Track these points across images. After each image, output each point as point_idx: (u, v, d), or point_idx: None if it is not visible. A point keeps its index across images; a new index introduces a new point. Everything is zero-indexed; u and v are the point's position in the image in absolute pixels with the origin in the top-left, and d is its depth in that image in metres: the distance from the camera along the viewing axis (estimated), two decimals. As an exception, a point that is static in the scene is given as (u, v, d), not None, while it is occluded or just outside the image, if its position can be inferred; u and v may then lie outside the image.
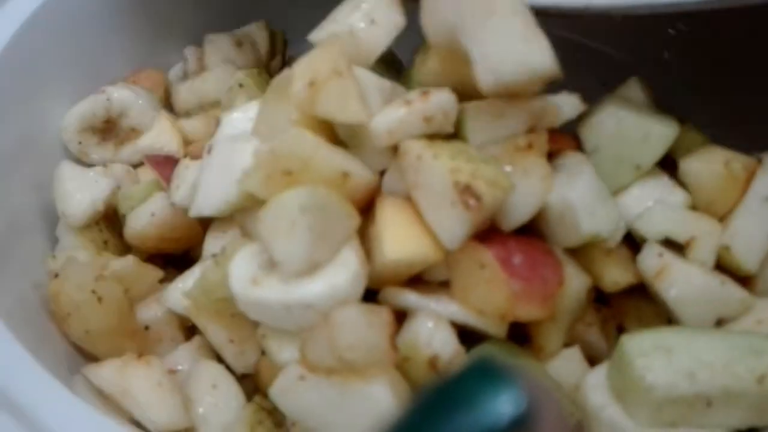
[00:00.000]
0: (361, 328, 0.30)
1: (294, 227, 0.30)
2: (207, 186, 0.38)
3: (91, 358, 0.37)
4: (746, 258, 0.34)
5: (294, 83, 0.33)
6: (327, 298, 0.31)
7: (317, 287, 0.31)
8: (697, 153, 0.36)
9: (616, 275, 0.34)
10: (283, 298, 0.31)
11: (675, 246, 0.34)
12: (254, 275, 0.32)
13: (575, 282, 0.33)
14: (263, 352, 0.35)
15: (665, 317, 0.35)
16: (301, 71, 0.33)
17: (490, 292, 0.31)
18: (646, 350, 0.29)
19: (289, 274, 0.31)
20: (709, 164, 0.35)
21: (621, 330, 0.36)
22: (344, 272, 0.31)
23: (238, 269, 0.33)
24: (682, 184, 0.36)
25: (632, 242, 0.36)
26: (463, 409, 0.20)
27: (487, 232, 0.32)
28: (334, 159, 0.33)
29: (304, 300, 0.31)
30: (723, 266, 0.34)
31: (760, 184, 0.35)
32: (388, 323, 0.30)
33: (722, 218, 0.35)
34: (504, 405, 0.19)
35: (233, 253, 0.34)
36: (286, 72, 0.36)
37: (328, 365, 0.30)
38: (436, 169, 0.31)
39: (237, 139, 0.37)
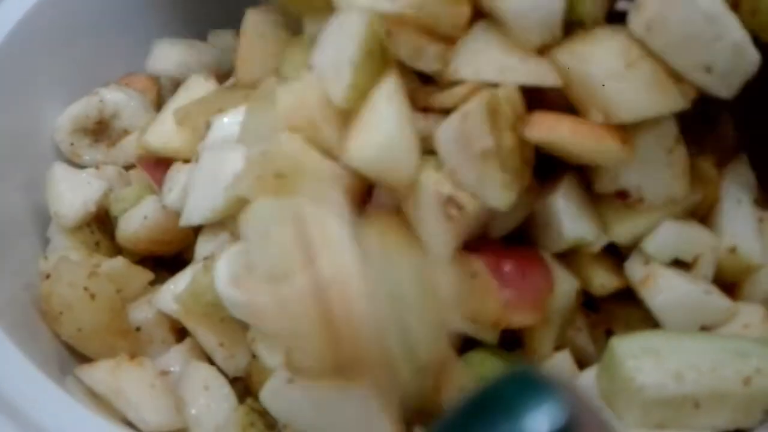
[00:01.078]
0: None
1: (266, 237, 0.31)
2: (195, 193, 0.38)
3: (83, 359, 0.36)
4: (753, 253, 0.35)
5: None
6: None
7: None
8: None
9: (603, 279, 0.35)
10: (263, 301, 0.31)
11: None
12: (236, 274, 0.32)
13: (565, 285, 0.33)
14: (254, 356, 0.35)
15: (652, 322, 0.35)
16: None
17: (482, 301, 0.31)
18: (636, 352, 0.30)
19: (265, 278, 0.31)
20: None
21: (609, 335, 0.36)
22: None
23: (223, 269, 0.33)
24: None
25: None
26: (500, 420, 0.19)
27: (478, 241, 0.33)
28: (325, 161, 0.33)
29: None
30: (724, 270, 0.35)
31: (731, 188, 0.36)
32: None
33: (704, 217, 0.36)
34: (543, 417, 0.18)
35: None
36: (270, 80, 0.36)
37: (312, 370, 0.30)
38: (421, 182, 0.31)
39: (223, 147, 0.37)
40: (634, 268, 0.34)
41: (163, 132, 0.44)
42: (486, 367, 0.31)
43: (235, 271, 0.33)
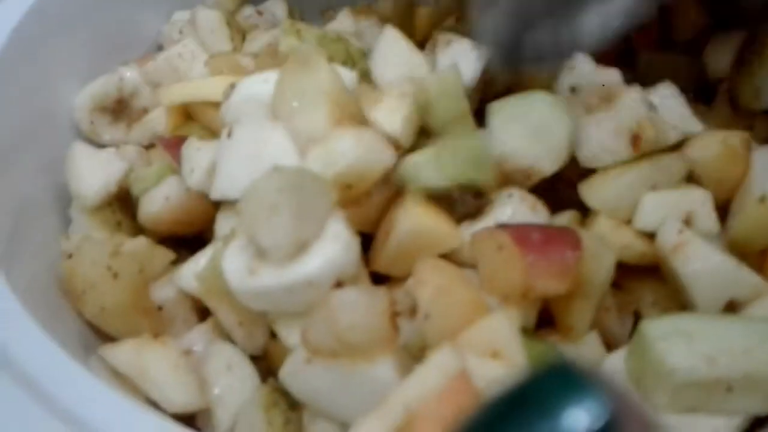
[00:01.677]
0: (360, 309, 0.30)
1: (275, 210, 0.31)
2: (230, 169, 0.37)
3: (106, 338, 0.36)
4: None
5: None
6: (326, 271, 0.31)
7: (314, 263, 0.31)
8: (694, 140, 0.37)
9: (629, 242, 0.35)
10: (284, 281, 0.31)
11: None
12: (249, 266, 0.32)
13: (604, 259, 0.33)
14: (273, 335, 0.35)
15: (680, 301, 0.35)
16: None
17: (509, 270, 0.31)
18: (667, 334, 0.29)
19: (279, 259, 0.31)
20: (709, 147, 0.36)
21: (637, 316, 0.36)
22: (336, 243, 0.32)
23: (232, 263, 0.33)
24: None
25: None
26: (536, 418, 0.18)
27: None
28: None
29: (305, 278, 0.31)
30: (756, 224, 0.34)
31: (763, 157, 0.36)
32: (386, 303, 0.31)
33: (732, 193, 0.36)
34: (583, 415, 0.17)
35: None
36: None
37: (330, 348, 0.30)
38: None
39: (259, 124, 0.37)
40: (667, 237, 0.34)
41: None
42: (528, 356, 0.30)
43: (245, 261, 0.33)
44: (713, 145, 0.36)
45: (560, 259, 0.31)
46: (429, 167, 0.35)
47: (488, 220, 0.36)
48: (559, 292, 0.31)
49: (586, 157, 0.36)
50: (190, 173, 0.40)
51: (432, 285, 0.31)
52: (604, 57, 0.42)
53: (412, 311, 0.32)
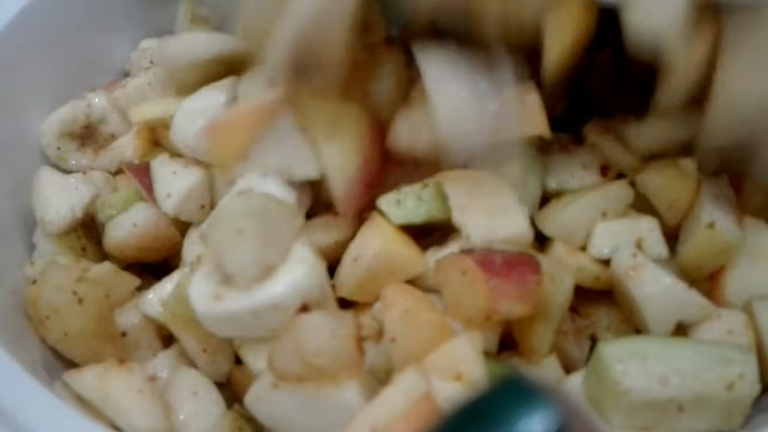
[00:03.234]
0: (327, 333, 0.31)
1: (240, 234, 0.31)
2: None
3: (69, 364, 0.36)
4: (730, 230, 0.35)
5: None
6: (291, 295, 0.32)
7: (279, 286, 0.32)
8: (648, 166, 0.38)
9: (586, 265, 0.36)
10: (249, 305, 0.32)
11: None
12: (215, 291, 0.32)
13: (564, 282, 0.34)
14: (238, 362, 0.35)
15: (632, 326, 0.37)
16: None
17: (473, 294, 0.32)
18: (623, 356, 0.30)
19: (245, 283, 0.32)
20: (661, 170, 0.38)
21: (593, 341, 0.37)
22: (301, 266, 0.32)
23: (198, 290, 0.33)
24: (643, 198, 0.38)
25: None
26: (492, 427, 0.19)
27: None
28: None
29: (270, 301, 0.32)
30: (704, 250, 0.36)
31: (711, 188, 0.37)
32: (353, 327, 0.31)
33: (686, 214, 0.38)
34: (535, 424, 0.19)
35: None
36: None
37: (296, 372, 0.31)
38: None
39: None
40: (621, 260, 0.35)
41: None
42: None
43: (211, 288, 0.33)
44: (666, 167, 0.38)
45: (522, 282, 0.32)
46: (408, 203, 0.36)
47: (452, 247, 0.37)
48: (521, 314, 0.32)
49: (556, 183, 0.39)
50: (166, 199, 0.40)
51: (399, 309, 0.32)
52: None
53: (378, 335, 0.33)
